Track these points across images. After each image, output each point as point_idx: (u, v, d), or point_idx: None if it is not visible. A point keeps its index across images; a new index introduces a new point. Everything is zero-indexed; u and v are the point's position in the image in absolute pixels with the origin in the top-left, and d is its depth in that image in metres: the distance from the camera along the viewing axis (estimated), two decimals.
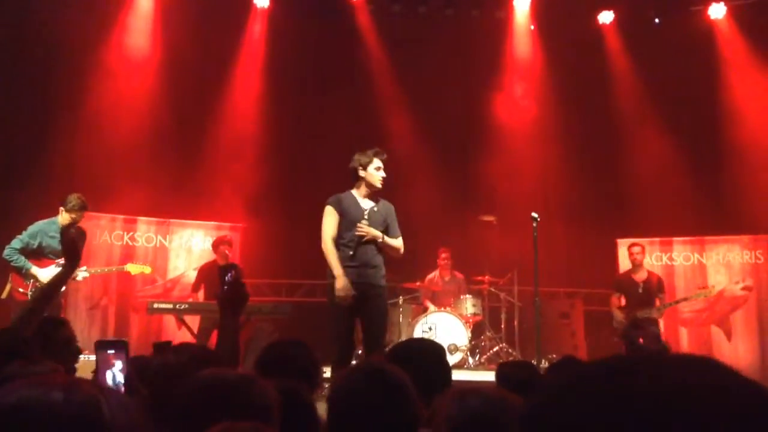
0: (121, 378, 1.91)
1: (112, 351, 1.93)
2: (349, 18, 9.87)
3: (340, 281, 5.04)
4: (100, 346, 1.96)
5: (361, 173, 5.26)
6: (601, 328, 8.83)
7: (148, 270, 7.56)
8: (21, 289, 6.26)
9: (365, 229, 5.17)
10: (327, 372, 4.59)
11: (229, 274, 2.68)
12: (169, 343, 2.48)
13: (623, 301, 7.92)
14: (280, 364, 2.42)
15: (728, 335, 8.89)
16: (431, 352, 2.74)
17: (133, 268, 7.36)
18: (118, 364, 1.93)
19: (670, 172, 9.45)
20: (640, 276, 7.92)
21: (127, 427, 0.78)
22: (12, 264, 6.23)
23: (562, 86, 9.94)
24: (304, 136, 10.08)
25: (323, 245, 5.24)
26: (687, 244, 9.31)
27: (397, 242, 5.34)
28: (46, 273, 6.23)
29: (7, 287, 6.29)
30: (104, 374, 1.89)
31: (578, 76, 9.99)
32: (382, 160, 5.27)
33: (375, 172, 5.23)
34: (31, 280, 6.25)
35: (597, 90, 10.06)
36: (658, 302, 7.82)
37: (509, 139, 9.84)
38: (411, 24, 10.03)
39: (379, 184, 5.23)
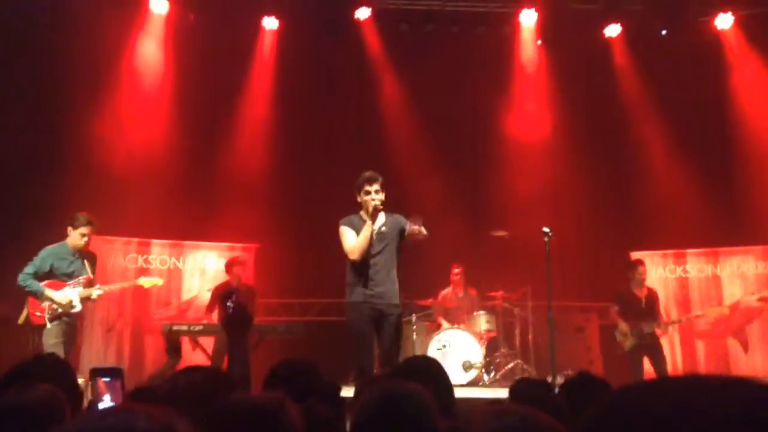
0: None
1: (108, 379, 1.92)
2: (357, 37, 9.94)
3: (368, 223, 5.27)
4: (95, 374, 1.94)
5: (359, 199, 5.43)
6: (617, 342, 8.77)
7: (160, 282, 7.61)
8: (38, 313, 6.30)
9: (416, 229, 5.20)
10: (344, 391, 4.60)
11: (230, 300, 2.72)
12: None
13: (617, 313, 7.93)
14: (288, 381, 2.43)
15: (745, 347, 8.81)
16: (436, 370, 2.78)
17: (145, 282, 7.41)
18: (113, 392, 1.91)
19: (681, 184, 9.41)
20: (642, 291, 7.91)
21: None
22: (26, 289, 6.31)
23: (571, 100, 9.95)
24: (314, 155, 10.14)
25: (351, 254, 5.34)
26: (701, 256, 9.26)
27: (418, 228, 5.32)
28: (60, 294, 6.34)
29: (24, 312, 6.35)
30: (99, 402, 1.88)
31: (587, 89, 10.01)
32: (374, 182, 5.36)
33: (366, 197, 5.36)
34: (47, 303, 6.31)
35: (606, 103, 10.07)
36: (659, 318, 7.81)
37: (519, 154, 9.83)
38: (418, 42, 10.09)
39: (371, 208, 5.32)
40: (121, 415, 0.79)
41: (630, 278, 7.98)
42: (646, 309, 7.80)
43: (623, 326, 7.79)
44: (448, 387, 2.73)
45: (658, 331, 7.74)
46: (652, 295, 7.93)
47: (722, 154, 9.66)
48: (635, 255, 8.98)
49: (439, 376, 2.73)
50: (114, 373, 1.97)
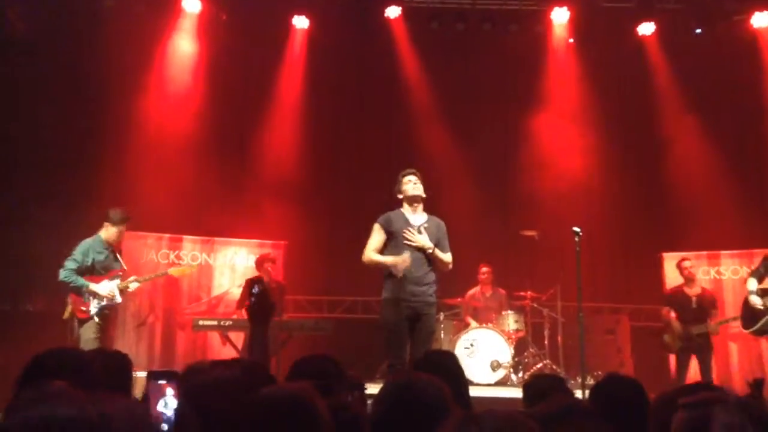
0: (173, 407, 1.96)
1: (164, 381, 2.00)
2: (388, 35, 9.95)
3: (395, 260, 5.21)
4: (152, 376, 2.03)
5: (400, 196, 5.52)
6: (648, 344, 8.66)
7: (188, 270, 7.69)
8: (83, 308, 6.31)
9: (415, 238, 5.31)
10: (369, 388, 4.61)
11: (256, 287, 2.78)
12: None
13: (673, 315, 7.72)
14: (308, 377, 2.47)
15: None
16: (452, 362, 2.84)
17: (175, 271, 7.49)
18: (170, 394, 1.99)
19: (716, 184, 9.26)
20: (694, 291, 7.72)
21: None
22: (71, 285, 6.31)
23: (603, 99, 9.84)
24: (345, 153, 10.18)
25: (364, 257, 5.41)
26: (735, 258, 9.11)
27: (447, 256, 5.48)
28: (102, 287, 6.37)
29: (68, 308, 6.36)
30: (156, 403, 1.96)
31: (619, 88, 9.90)
32: (412, 175, 5.50)
33: (407, 185, 5.47)
34: (90, 297, 6.32)
35: (639, 102, 9.95)
36: (712, 319, 7.60)
37: (550, 153, 9.76)
38: (449, 40, 10.06)
39: (416, 192, 5.43)
40: (49, 402, 0.79)
41: (683, 278, 7.81)
42: (697, 309, 7.59)
43: (677, 327, 7.57)
44: (463, 379, 2.84)
45: (710, 332, 7.53)
46: (705, 296, 7.72)
47: (758, 154, 9.48)
48: (668, 256, 8.87)
49: (455, 368, 2.80)
50: (170, 375, 2.06)
